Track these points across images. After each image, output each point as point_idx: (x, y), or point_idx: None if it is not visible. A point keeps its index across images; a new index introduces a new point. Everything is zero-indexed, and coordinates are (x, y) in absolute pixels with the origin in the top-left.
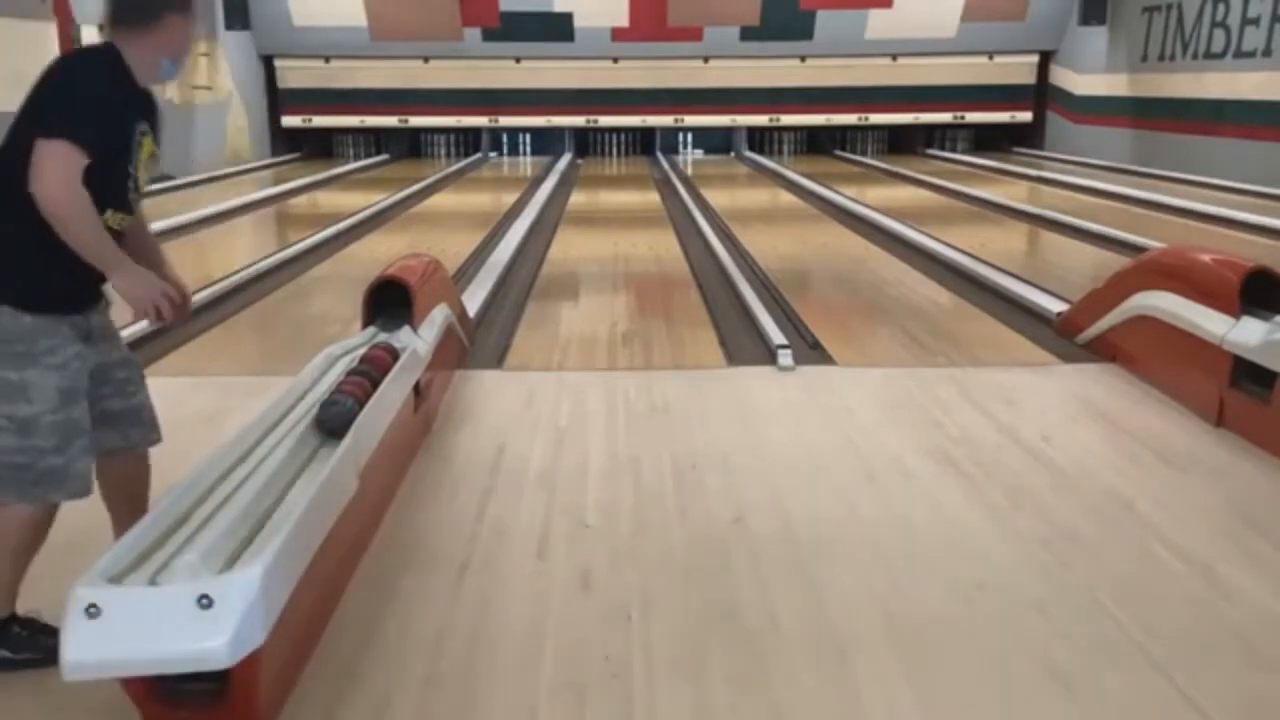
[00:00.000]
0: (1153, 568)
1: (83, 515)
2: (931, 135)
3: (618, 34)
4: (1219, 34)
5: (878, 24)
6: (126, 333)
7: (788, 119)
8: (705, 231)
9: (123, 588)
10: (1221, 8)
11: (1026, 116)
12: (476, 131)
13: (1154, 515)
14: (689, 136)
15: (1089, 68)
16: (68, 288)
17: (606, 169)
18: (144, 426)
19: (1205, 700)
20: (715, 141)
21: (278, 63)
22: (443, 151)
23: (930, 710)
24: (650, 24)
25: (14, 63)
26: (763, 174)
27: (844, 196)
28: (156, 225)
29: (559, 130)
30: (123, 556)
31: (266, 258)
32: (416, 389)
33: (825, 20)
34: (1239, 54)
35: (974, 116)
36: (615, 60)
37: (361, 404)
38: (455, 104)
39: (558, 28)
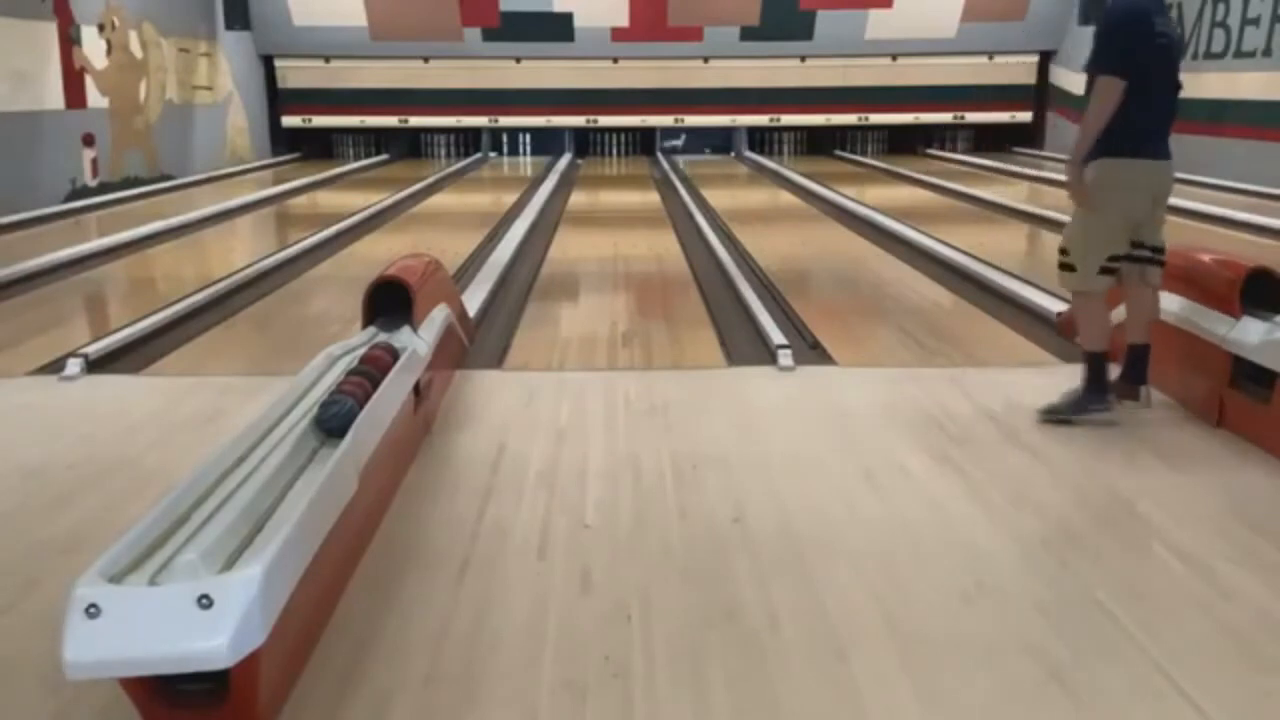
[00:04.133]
0: (1153, 568)
1: (83, 515)
2: (931, 135)
3: (618, 34)
4: (1219, 34)
5: (878, 24)
6: (127, 332)
7: (788, 119)
8: (705, 231)
9: (123, 588)
10: (1221, 8)
11: (1026, 116)
12: (476, 131)
13: (1154, 515)
14: (679, 137)
15: None
16: None
17: (606, 169)
18: None
19: (1205, 700)
20: (715, 141)
21: (278, 63)
22: (443, 151)
23: (930, 710)
24: (650, 24)
25: (14, 63)
26: (763, 174)
27: (844, 196)
28: (156, 225)
29: (559, 130)
30: (122, 556)
31: (266, 258)
32: (416, 389)
33: (825, 20)
34: (1239, 54)
35: (974, 116)
36: (615, 60)
37: (361, 404)
38: (455, 104)
39: (558, 28)
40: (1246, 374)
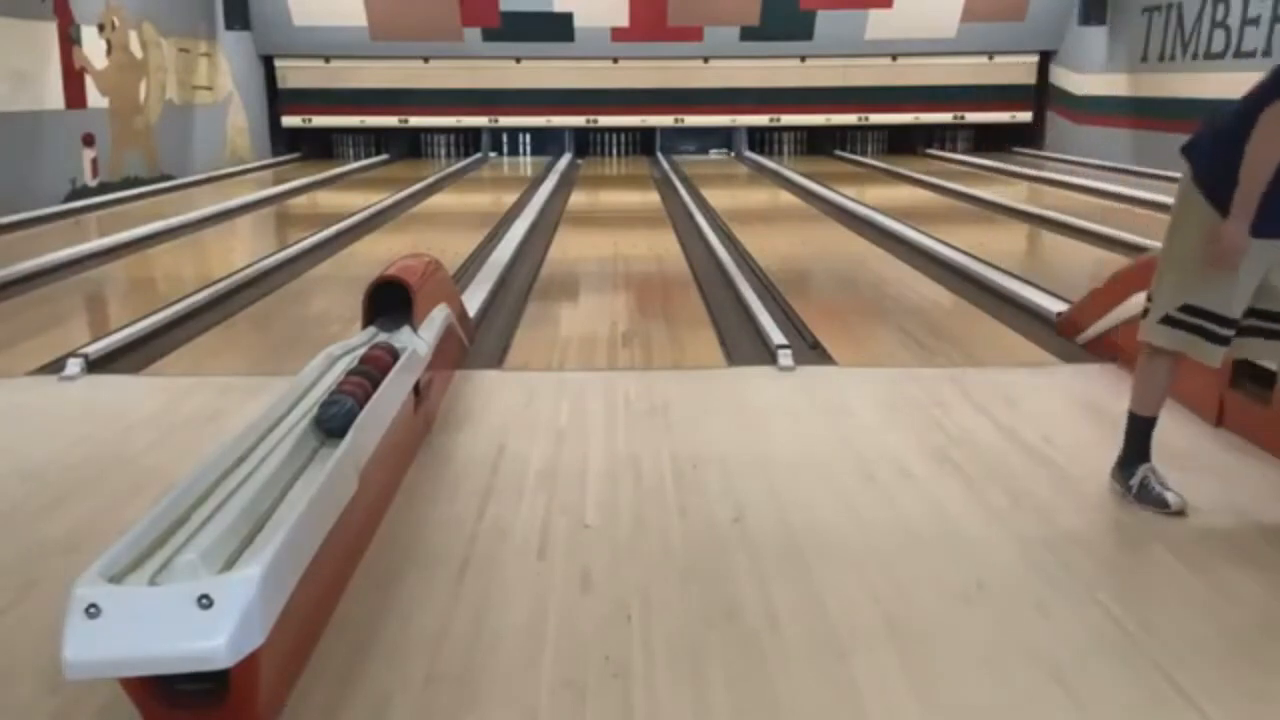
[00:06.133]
0: (1153, 568)
1: (83, 515)
2: (931, 135)
3: (618, 34)
4: (1219, 34)
5: (878, 24)
6: (127, 332)
7: (788, 119)
8: (705, 231)
9: (123, 588)
10: (1221, 8)
11: (1026, 116)
12: (476, 131)
13: (1154, 515)
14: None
15: (1089, 68)
16: None
17: (606, 169)
18: None
19: (1205, 700)
20: (717, 142)
21: (278, 63)
22: (443, 151)
23: (930, 710)
24: (650, 24)
25: (14, 63)
26: (763, 174)
27: (844, 196)
28: (156, 225)
29: (559, 130)
30: (122, 556)
31: (266, 258)
32: (416, 389)
33: (825, 20)
34: (1239, 54)
35: (974, 116)
36: (615, 60)
37: (361, 404)
38: (455, 104)
39: (558, 28)
40: (1246, 374)
